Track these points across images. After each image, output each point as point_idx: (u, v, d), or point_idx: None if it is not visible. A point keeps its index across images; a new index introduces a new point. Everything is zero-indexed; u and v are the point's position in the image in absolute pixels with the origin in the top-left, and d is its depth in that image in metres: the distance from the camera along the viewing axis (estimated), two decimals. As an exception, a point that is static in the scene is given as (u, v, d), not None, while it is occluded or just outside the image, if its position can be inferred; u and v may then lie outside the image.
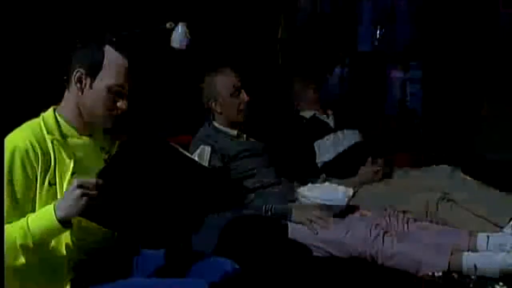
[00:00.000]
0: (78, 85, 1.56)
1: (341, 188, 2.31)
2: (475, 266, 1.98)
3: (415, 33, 3.94)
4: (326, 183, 2.41)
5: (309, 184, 2.43)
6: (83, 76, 1.56)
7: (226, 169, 2.41)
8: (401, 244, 2.10)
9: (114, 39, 1.61)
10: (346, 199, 2.28)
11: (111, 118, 1.61)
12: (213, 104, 2.52)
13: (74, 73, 1.56)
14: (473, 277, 1.95)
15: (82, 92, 1.57)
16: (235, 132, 2.54)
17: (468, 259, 2.01)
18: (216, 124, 2.54)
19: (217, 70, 2.53)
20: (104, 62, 1.56)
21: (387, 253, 2.08)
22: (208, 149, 2.18)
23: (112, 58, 1.57)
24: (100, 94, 1.57)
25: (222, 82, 2.50)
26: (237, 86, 2.49)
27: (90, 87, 1.57)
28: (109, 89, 1.57)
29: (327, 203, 2.26)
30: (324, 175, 2.72)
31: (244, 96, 2.49)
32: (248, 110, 2.52)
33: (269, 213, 2.27)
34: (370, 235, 2.11)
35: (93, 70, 1.56)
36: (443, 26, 3.66)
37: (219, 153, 2.38)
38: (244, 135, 2.57)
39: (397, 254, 2.07)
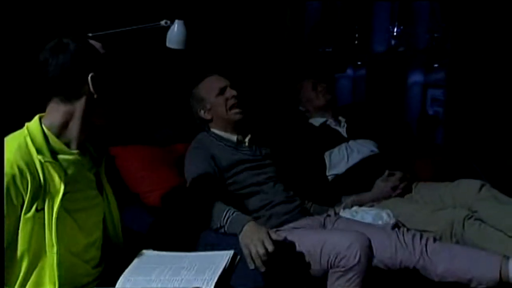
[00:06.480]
0: (92, 90, 1.52)
1: (384, 211, 2.39)
2: None
3: (438, 30, 3.80)
4: (363, 207, 2.48)
5: (353, 208, 2.49)
6: (96, 78, 1.52)
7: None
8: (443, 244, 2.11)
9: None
10: (394, 219, 2.32)
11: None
12: (203, 112, 2.48)
13: (88, 78, 1.51)
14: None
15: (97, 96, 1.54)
16: (234, 138, 2.45)
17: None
18: (214, 131, 2.48)
19: (200, 81, 2.54)
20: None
21: (436, 255, 2.02)
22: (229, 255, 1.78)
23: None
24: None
25: (205, 87, 2.49)
26: (221, 86, 2.46)
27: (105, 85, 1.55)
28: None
29: (377, 224, 2.29)
30: (351, 199, 2.61)
31: (230, 91, 2.44)
32: (246, 110, 2.45)
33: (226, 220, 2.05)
34: (404, 241, 2.08)
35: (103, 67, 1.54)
36: (468, 23, 3.54)
37: (217, 161, 2.32)
38: (246, 141, 2.47)
39: (448, 257, 2.01)
